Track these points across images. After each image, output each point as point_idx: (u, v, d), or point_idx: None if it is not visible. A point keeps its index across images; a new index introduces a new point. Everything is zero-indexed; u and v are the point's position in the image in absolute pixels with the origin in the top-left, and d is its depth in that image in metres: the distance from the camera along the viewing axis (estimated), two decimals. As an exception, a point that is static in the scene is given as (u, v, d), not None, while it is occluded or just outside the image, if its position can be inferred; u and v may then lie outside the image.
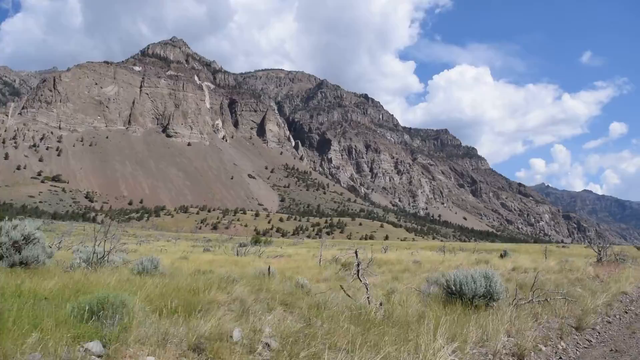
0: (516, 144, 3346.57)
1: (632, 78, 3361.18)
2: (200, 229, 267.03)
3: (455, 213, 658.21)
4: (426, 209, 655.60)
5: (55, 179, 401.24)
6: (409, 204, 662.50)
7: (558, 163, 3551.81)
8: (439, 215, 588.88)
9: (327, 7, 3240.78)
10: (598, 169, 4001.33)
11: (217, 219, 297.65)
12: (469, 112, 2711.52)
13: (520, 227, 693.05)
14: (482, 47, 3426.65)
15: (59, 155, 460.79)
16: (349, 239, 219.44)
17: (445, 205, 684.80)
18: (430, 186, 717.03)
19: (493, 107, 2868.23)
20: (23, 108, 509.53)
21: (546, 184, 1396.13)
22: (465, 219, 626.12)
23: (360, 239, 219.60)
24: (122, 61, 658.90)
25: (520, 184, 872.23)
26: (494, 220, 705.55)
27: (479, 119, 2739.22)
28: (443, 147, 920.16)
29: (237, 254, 32.83)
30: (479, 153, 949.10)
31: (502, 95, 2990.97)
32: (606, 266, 22.90)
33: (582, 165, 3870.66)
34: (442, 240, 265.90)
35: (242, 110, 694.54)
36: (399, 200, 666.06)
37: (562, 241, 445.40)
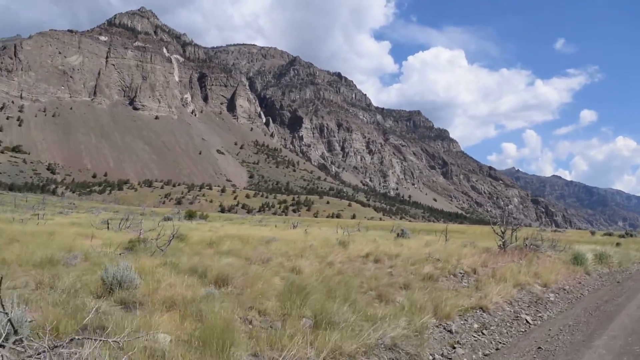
0: (488, 127, 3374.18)
1: (603, 67, 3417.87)
2: (164, 203, 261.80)
3: (426, 194, 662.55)
4: (397, 189, 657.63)
5: (16, 149, 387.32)
6: (379, 184, 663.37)
7: (529, 148, 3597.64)
8: (409, 196, 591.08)
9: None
10: (568, 155, 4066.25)
11: (182, 193, 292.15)
12: (442, 94, 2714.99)
13: (489, 209, 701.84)
14: (458, 30, 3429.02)
15: (20, 125, 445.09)
16: (316, 217, 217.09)
17: (415, 186, 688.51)
18: (401, 167, 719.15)
19: (466, 91, 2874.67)
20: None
21: (516, 168, 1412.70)
22: (435, 200, 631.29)
23: (328, 217, 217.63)
24: (88, 30, 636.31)
25: (490, 168, 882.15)
26: (463, 202, 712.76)
27: (452, 102, 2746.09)
28: (415, 128, 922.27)
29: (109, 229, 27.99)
30: (451, 135, 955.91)
31: (475, 79, 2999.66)
32: (505, 255, 18.13)
33: (552, 151, 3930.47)
34: (410, 221, 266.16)
35: (212, 84, 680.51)
36: (370, 180, 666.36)
37: (530, 225, 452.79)
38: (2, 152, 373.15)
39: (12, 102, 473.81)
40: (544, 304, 12.41)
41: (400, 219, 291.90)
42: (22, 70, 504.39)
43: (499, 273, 14.33)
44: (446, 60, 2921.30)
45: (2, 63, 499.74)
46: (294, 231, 37.75)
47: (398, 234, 31.03)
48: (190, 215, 66.29)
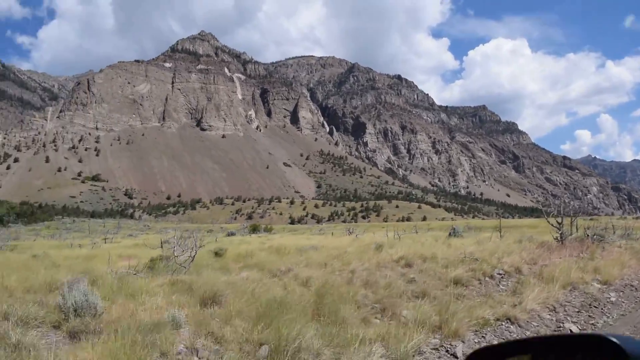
0: (559, 116, 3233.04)
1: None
2: (235, 219, 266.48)
3: (498, 190, 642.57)
4: (467, 187, 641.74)
5: (95, 178, 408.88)
6: (449, 184, 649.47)
7: (605, 133, 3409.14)
8: (481, 194, 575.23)
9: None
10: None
11: (252, 208, 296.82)
12: (508, 86, 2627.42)
13: (567, 201, 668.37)
14: (518, 19, 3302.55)
15: (97, 155, 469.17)
16: (385, 221, 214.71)
17: (486, 182, 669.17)
18: (470, 164, 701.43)
19: (533, 80, 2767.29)
20: (61, 111, 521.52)
21: (593, 156, 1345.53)
22: (508, 195, 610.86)
23: (397, 221, 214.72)
24: (153, 59, 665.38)
25: (565, 157, 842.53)
26: (538, 195, 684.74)
27: (518, 93, 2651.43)
28: (482, 123, 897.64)
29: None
30: (520, 128, 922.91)
31: (541, 67, 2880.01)
32: (562, 249, 15.80)
33: (630, 134, 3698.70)
34: (483, 219, 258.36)
35: (275, 99, 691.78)
36: (439, 181, 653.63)
37: (612, 213, 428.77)
38: (83, 182, 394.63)
39: (89, 133, 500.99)
40: (600, 307, 10.48)
41: (473, 217, 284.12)
42: (95, 102, 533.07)
43: (547, 271, 12.41)
44: (508, 50, 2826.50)
45: (77, 98, 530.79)
46: (344, 238, 36.57)
47: (450, 234, 29.27)
48: (254, 229, 66.70)
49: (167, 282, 10.44)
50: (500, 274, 12.87)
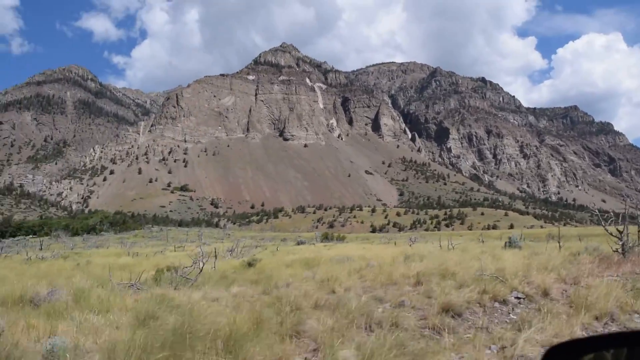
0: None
1: None
2: (317, 228, 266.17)
3: (592, 196, 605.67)
4: (558, 193, 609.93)
5: (183, 188, 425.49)
6: (538, 190, 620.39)
7: None
8: (574, 199, 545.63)
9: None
10: None
11: (333, 217, 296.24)
12: (601, 84, 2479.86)
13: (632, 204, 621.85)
14: (611, 12, 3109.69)
15: (185, 166, 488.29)
16: (470, 229, 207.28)
17: (579, 187, 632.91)
18: (561, 168, 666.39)
19: (629, 76, 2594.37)
20: (152, 125, 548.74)
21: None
22: (604, 201, 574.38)
23: (483, 229, 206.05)
24: (237, 72, 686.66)
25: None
26: (638, 200, 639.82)
27: (613, 91, 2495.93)
28: (573, 125, 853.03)
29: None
30: (616, 128, 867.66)
31: (638, 62, 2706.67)
32: (624, 264, 12.33)
33: None
34: (575, 226, 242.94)
35: (356, 107, 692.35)
36: (527, 186, 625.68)
37: None
38: (172, 192, 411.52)
39: (178, 146, 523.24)
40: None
41: (564, 225, 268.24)
42: (184, 116, 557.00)
43: (584, 294, 9.13)
44: (601, 46, 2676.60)
45: (167, 112, 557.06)
46: (396, 248, 33.26)
47: (506, 244, 25.36)
48: (325, 237, 64.56)
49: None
50: (518, 298, 9.90)
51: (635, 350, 2.00)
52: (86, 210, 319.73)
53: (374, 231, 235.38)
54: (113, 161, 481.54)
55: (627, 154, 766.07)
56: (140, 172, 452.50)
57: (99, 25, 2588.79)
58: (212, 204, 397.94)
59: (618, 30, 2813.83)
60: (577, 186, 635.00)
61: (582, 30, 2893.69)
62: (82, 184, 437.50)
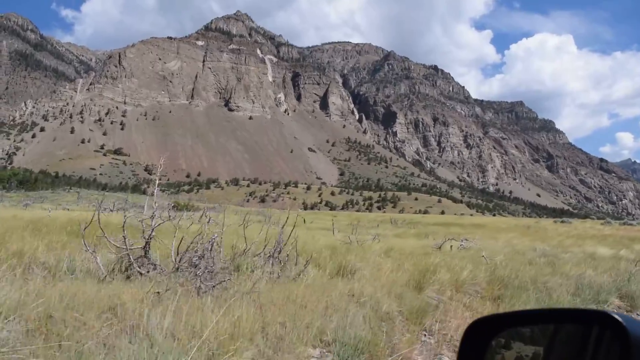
0: (600, 117, 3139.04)
1: None
2: (248, 202, 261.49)
3: (529, 189, 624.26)
4: (496, 184, 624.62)
5: (117, 152, 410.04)
6: (477, 180, 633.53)
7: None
8: (510, 192, 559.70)
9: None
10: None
11: (266, 192, 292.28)
12: (549, 83, 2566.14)
13: (600, 205, 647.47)
14: (566, 14, 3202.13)
15: (122, 129, 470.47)
16: (401, 213, 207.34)
17: (517, 181, 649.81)
18: (501, 161, 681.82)
19: (575, 78, 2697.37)
20: (91, 84, 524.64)
21: (633, 160, 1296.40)
22: (539, 195, 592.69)
23: (415, 214, 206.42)
24: (186, 36, 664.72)
25: (602, 160, 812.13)
26: (570, 197, 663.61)
27: (560, 91, 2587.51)
28: (518, 120, 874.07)
29: None
30: (559, 127, 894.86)
31: (586, 65, 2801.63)
32: None
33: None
34: (505, 217, 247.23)
35: (305, 83, 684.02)
36: (467, 176, 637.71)
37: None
38: (105, 155, 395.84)
39: (117, 107, 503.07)
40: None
41: (494, 215, 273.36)
42: (125, 77, 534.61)
43: None
44: (553, 46, 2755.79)
45: (108, 71, 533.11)
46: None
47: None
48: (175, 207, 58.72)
49: None
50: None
51: (563, 327, 2.09)
52: (9, 168, 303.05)
53: (305, 209, 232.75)
54: (45, 118, 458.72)
55: (566, 152, 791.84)
56: (72, 131, 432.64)
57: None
58: (145, 170, 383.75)
59: (570, 32, 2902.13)
60: (514, 179, 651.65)
61: (536, 29, 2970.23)
62: (8, 139, 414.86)
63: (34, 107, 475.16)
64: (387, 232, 32.75)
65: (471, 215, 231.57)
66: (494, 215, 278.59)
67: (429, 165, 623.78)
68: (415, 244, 19.82)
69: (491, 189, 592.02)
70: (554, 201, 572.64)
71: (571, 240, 26.47)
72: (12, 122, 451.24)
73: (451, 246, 18.55)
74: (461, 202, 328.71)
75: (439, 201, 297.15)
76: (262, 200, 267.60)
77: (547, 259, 15.47)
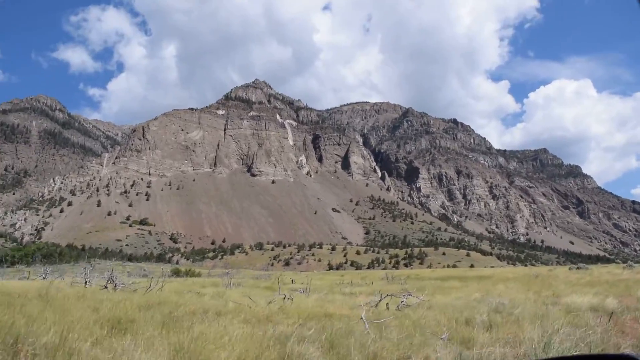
0: (629, 158, 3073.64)
1: None
2: (272, 265, 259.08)
3: (561, 237, 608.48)
4: (527, 234, 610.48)
5: (143, 222, 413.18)
6: (507, 230, 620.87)
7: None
8: (542, 241, 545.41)
9: (411, 34, 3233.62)
10: None
11: (291, 254, 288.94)
12: (572, 129, 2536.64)
13: (638, 249, 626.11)
14: (582, 60, 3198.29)
15: (147, 199, 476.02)
16: (429, 269, 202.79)
17: (548, 229, 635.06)
18: (530, 210, 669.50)
19: (598, 122, 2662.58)
20: (116, 158, 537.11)
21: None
22: (572, 243, 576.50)
23: (433, 270, 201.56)
24: (207, 106, 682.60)
25: (634, 202, 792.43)
26: (605, 242, 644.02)
27: (583, 136, 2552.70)
28: (543, 167, 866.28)
29: None
30: (586, 171, 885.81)
31: (607, 108, 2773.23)
32: None
33: None
34: (534, 266, 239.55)
35: (326, 144, 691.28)
36: (496, 227, 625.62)
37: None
38: (130, 226, 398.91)
39: (142, 179, 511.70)
40: None
41: (525, 266, 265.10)
42: (149, 149, 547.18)
43: None
44: (572, 92, 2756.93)
45: (132, 144, 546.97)
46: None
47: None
48: (176, 273, 58.08)
49: None
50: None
51: None
52: (36, 242, 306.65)
53: (330, 269, 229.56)
54: (72, 192, 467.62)
55: (596, 196, 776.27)
56: (99, 204, 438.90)
57: (75, 57, 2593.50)
58: (171, 238, 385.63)
59: (588, 77, 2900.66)
60: (545, 227, 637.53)
61: (553, 76, 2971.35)
62: (37, 215, 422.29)
63: (62, 182, 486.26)
64: (363, 288, 32.64)
65: (501, 267, 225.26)
66: (526, 265, 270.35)
67: (455, 219, 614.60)
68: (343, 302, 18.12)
69: (522, 239, 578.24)
70: (588, 248, 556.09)
71: (571, 288, 24.19)
72: (41, 199, 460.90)
73: (387, 304, 16.58)
74: (491, 254, 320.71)
75: (468, 254, 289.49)
76: (287, 264, 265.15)
77: (486, 317, 13.21)
